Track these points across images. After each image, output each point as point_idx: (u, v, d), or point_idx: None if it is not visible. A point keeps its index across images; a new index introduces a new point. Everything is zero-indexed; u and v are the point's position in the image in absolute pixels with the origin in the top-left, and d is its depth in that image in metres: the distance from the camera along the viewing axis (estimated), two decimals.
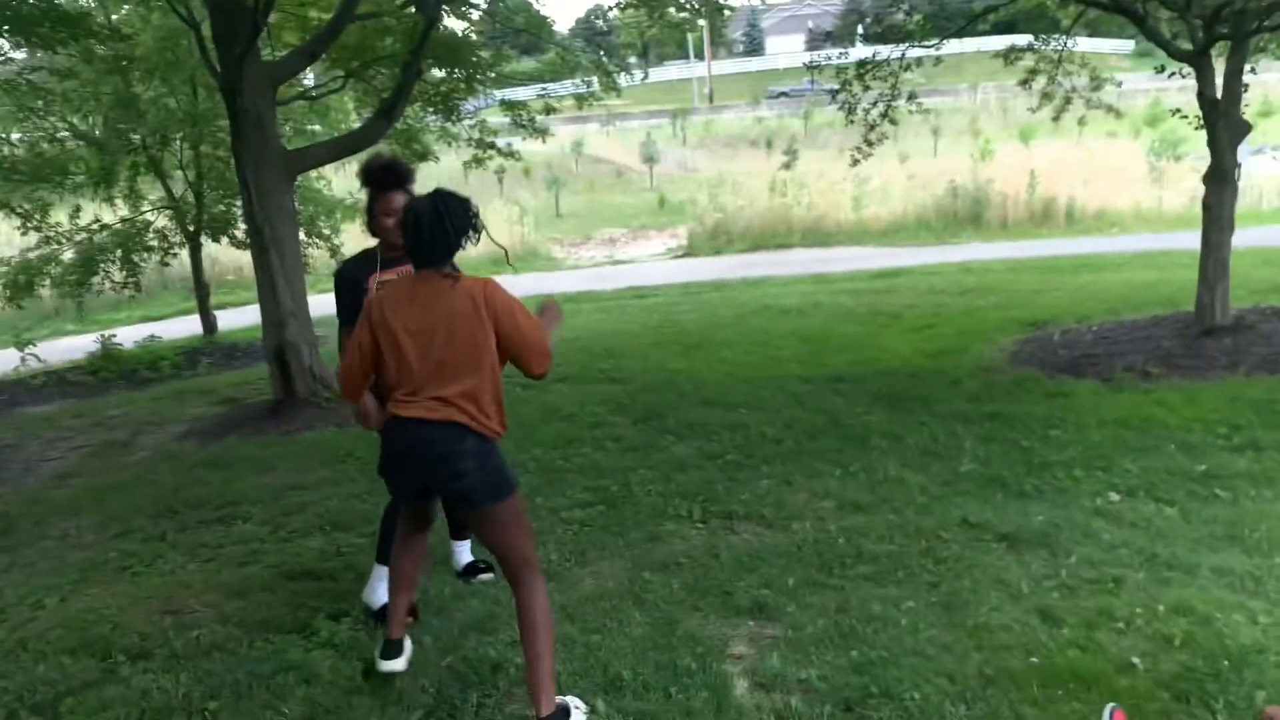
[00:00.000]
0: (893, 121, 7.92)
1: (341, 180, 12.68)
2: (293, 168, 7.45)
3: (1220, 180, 6.51)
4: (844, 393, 6.72)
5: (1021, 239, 15.75)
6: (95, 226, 10.86)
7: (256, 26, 6.49)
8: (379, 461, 3.19)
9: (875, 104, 7.74)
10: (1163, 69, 7.07)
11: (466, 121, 10.36)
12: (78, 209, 10.96)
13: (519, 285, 12.31)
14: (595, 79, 10.35)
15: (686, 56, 62.91)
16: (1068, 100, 8.40)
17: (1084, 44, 9.77)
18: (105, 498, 6.06)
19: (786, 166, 24.27)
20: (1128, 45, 57.26)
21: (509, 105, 10.02)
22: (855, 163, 8.17)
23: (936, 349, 7.85)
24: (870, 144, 7.94)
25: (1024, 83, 8.36)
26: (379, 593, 3.72)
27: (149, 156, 10.66)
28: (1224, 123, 6.39)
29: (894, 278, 12.40)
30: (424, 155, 10.56)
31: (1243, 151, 17.45)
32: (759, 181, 21.07)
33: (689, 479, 4.99)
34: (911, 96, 7.77)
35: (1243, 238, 10.89)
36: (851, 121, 7.99)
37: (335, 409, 7.66)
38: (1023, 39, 9.11)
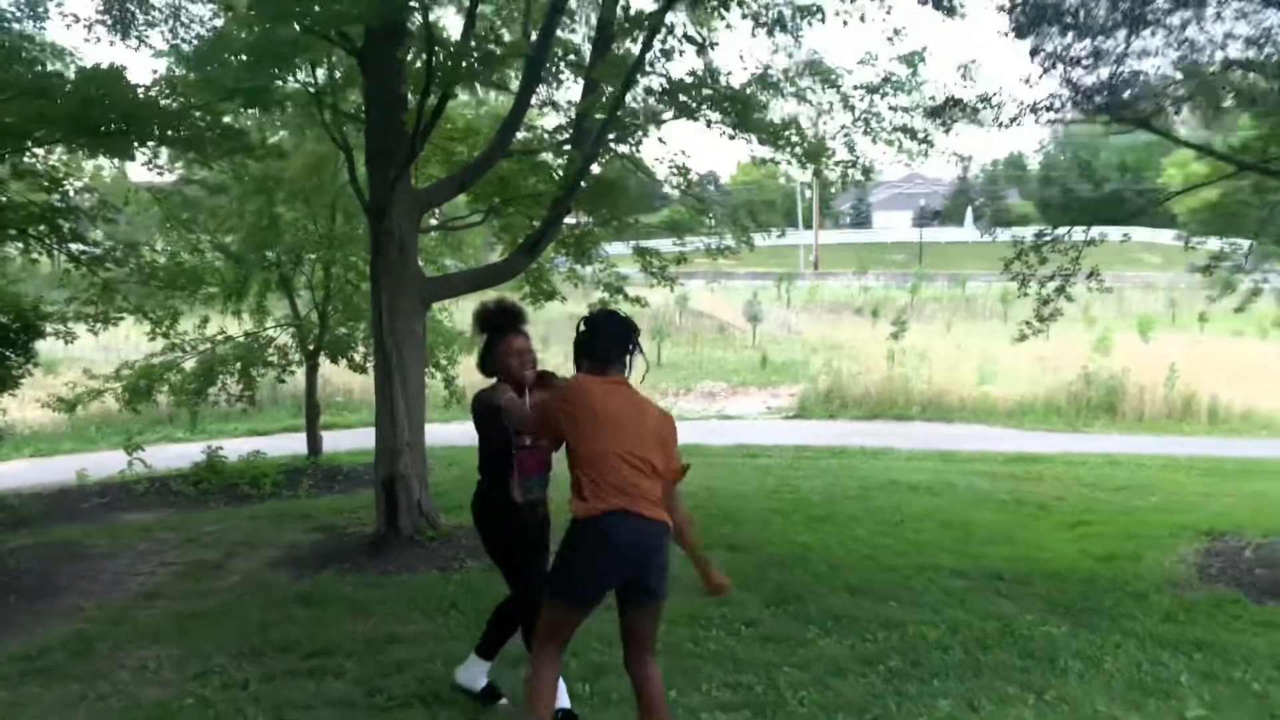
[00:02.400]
0: (1069, 298, 7.35)
1: (463, 313, 12.60)
2: (429, 295, 7.24)
3: None
4: (1008, 595, 5.92)
5: (1161, 434, 14.69)
6: (220, 338, 10.90)
7: (413, 150, 6.39)
8: (573, 554, 3.30)
9: (1053, 278, 7.20)
10: None
11: (597, 265, 10.18)
12: (205, 320, 11.05)
13: None
14: (729, 235, 10.11)
15: (795, 224, 64.02)
16: (1257, 292, 7.74)
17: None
18: (189, 627, 5.60)
19: (895, 336, 23.74)
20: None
21: (642, 252, 9.80)
22: (1023, 337, 7.59)
23: (1105, 552, 6.98)
24: (1042, 319, 7.37)
25: (1206, 270, 7.73)
26: (478, 678, 4.25)
27: (281, 274, 10.75)
28: None
29: (1032, 463, 11.51)
30: (551, 295, 10.35)
31: None
32: (871, 349, 20.57)
33: (850, 688, 4.25)
34: (1093, 274, 7.21)
35: None
36: (1025, 294, 7.47)
37: (439, 550, 7.16)
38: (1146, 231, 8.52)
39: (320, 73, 7.76)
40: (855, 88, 8.33)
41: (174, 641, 5.36)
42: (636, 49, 6.88)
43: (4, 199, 6.97)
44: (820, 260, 59.93)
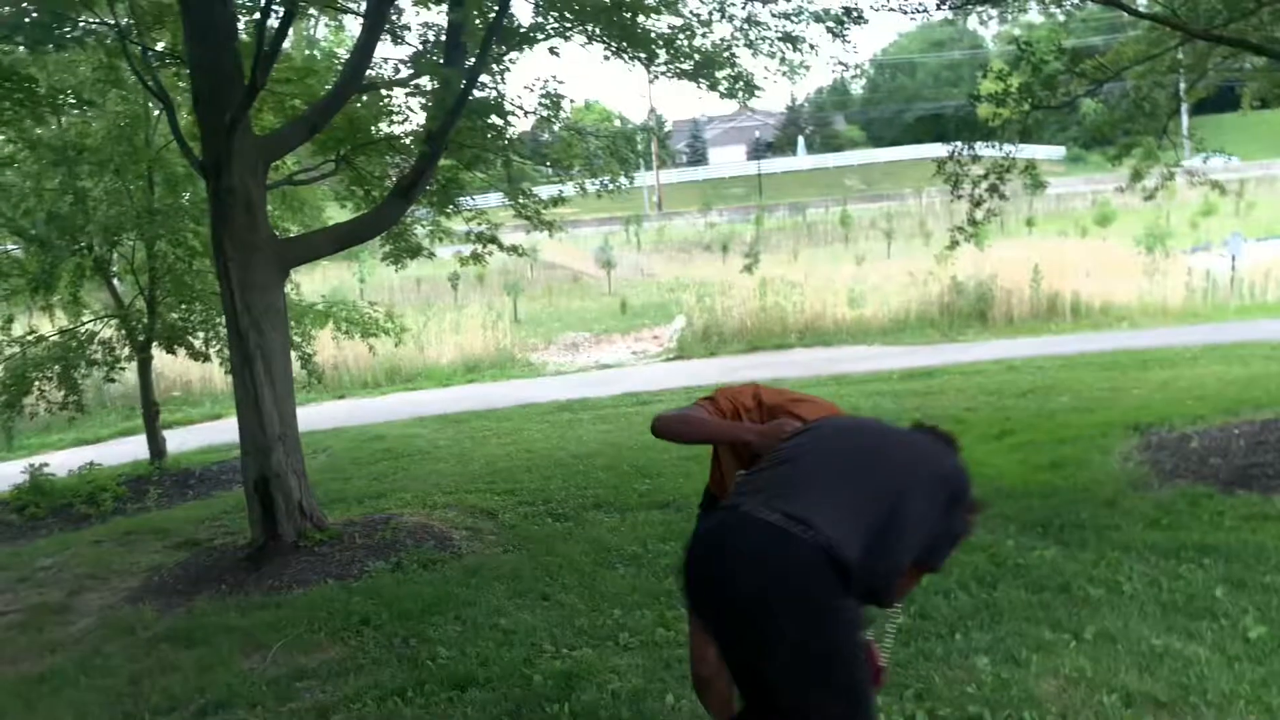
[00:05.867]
0: (1002, 196, 6.96)
1: (315, 281, 11.35)
2: (287, 260, 6.15)
3: None
4: (980, 522, 5.50)
5: (1033, 335, 14.96)
6: (30, 338, 9.31)
7: (253, 87, 5.27)
8: None
9: (985, 176, 6.78)
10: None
11: (465, 214, 9.19)
12: (10, 319, 9.44)
13: (501, 394, 10.84)
14: (609, 170, 9.32)
15: (636, 165, 63.43)
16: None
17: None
18: (37, 699, 4.50)
19: (749, 269, 23.67)
20: (1059, 151, 59.38)
21: (518, 192, 8.87)
22: (954, 244, 7.19)
23: (1047, 461, 6.69)
24: (975, 222, 6.98)
25: (951, 180, 7.16)
26: None
27: (95, 259, 9.23)
28: None
29: (928, 378, 11.35)
30: (416, 251, 9.31)
31: (1234, 243, 17.25)
32: (737, 282, 20.27)
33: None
34: (1029, 168, 6.84)
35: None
36: (959, 197, 7.03)
37: (331, 555, 6.17)
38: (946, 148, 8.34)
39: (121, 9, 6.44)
40: None
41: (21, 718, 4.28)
42: None
43: None
44: (664, 200, 59.72)
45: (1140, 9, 7.52)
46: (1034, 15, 8.39)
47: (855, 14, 6.60)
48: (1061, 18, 8.90)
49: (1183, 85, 9.08)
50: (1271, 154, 42.66)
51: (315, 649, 4.71)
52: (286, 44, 8.50)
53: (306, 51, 8.90)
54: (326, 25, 8.53)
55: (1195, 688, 3.16)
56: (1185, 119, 9.58)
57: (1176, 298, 16.57)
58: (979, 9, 7.75)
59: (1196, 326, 14.11)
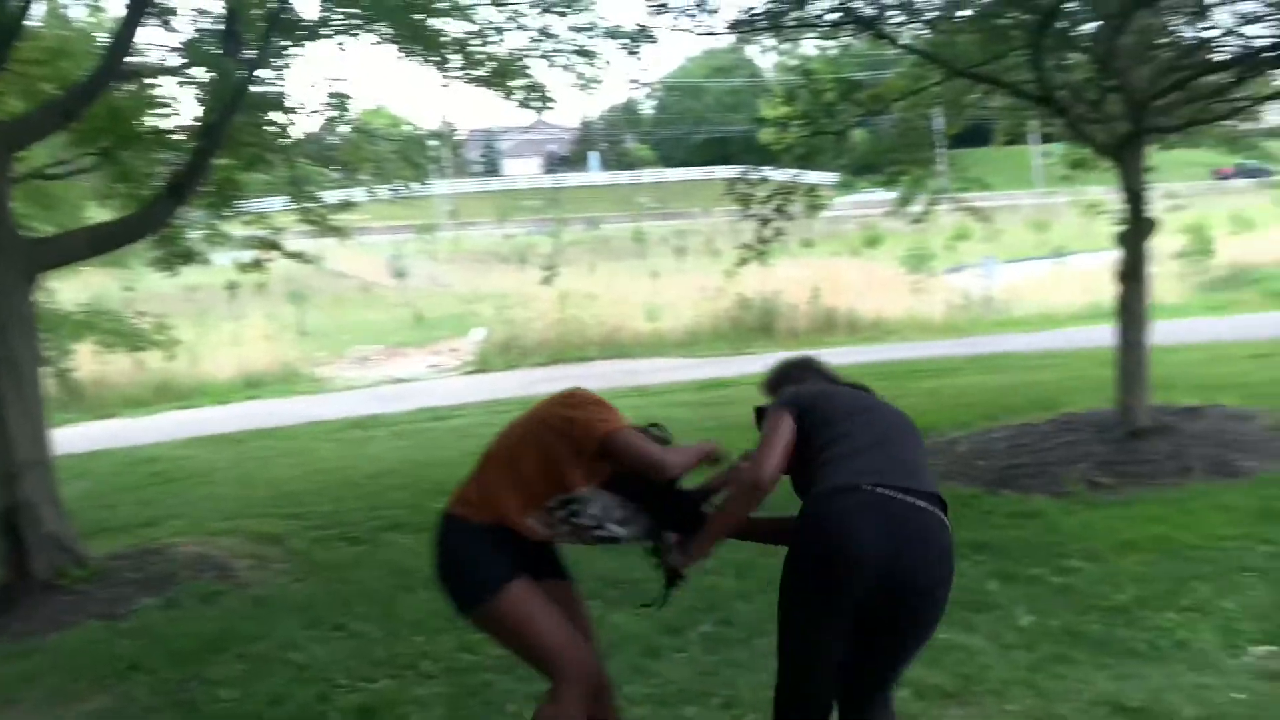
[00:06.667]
0: (789, 217, 7.26)
1: (74, 288, 10.33)
2: (37, 263, 5.50)
3: (1135, 277, 6.25)
4: None
5: (813, 347, 15.70)
6: None
7: None
8: None
9: (771, 196, 7.04)
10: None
11: (243, 219, 8.63)
12: None
13: (287, 411, 10.24)
14: (403, 174, 9.03)
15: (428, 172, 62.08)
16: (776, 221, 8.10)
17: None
18: None
19: (547, 281, 23.80)
20: (832, 177, 63.16)
21: (301, 195, 8.42)
22: (743, 262, 7.43)
23: None
24: (765, 240, 7.23)
25: (742, 201, 7.64)
26: None
27: None
28: (1136, 220, 6.19)
29: (721, 388, 11.72)
30: (189, 257, 8.65)
31: (988, 265, 18.95)
32: (537, 294, 20.24)
33: (673, 670, 3.70)
34: (813, 190, 7.17)
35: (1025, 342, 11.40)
36: (748, 217, 7.27)
37: (93, 594, 5.57)
38: (732, 169, 8.89)
39: None
40: (530, 4, 7.63)
41: None
42: None
43: None
44: (458, 210, 58.84)
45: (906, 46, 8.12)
46: (808, 49, 8.91)
47: (646, 32, 6.73)
48: (835, 51, 9.48)
49: (942, 120, 9.91)
50: (1016, 185, 47.38)
51: (75, 700, 4.22)
52: (35, 21, 7.69)
53: (59, 31, 8.05)
54: (84, 4, 7.74)
55: (977, 677, 3.38)
56: (944, 151, 10.56)
57: (939, 313, 18.05)
58: (759, 38, 8.10)
59: (958, 340, 15.32)
